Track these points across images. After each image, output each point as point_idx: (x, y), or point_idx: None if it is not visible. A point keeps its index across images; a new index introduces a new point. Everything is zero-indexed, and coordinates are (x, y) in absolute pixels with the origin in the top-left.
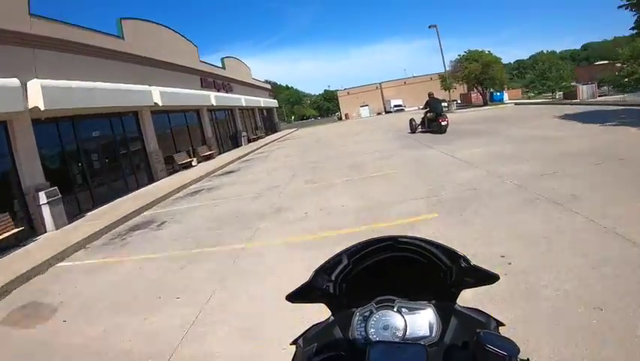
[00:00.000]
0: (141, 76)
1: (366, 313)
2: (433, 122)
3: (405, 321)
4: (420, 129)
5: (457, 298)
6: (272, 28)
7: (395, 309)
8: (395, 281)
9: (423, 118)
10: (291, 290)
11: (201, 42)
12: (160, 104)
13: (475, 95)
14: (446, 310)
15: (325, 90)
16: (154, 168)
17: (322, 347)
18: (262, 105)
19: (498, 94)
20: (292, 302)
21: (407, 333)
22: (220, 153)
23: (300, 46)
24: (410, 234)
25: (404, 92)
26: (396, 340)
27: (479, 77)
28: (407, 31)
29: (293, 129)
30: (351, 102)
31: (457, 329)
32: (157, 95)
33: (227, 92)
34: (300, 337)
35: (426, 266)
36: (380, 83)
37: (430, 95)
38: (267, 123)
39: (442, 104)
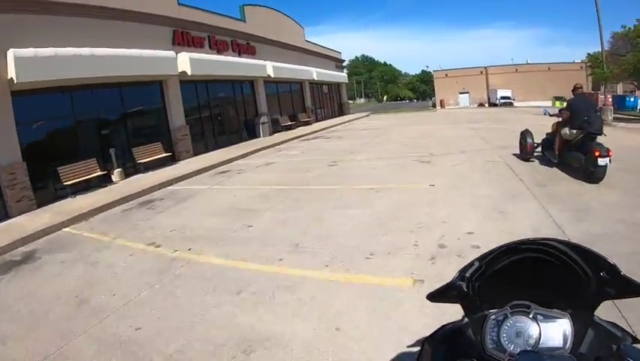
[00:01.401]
0: None
1: (500, 318)
2: (578, 150)
3: (540, 329)
4: (539, 153)
5: (596, 309)
6: (374, 4)
7: (531, 316)
8: (530, 287)
9: (550, 134)
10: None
11: (296, 15)
12: (14, 79)
13: (603, 98)
14: (583, 321)
15: (422, 71)
16: (5, 195)
17: (453, 349)
18: (315, 79)
19: (632, 99)
20: (432, 301)
21: (540, 342)
22: (206, 151)
23: (402, 24)
24: None
25: (514, 81)
26: (528, 348)
27: None
28: (515, 17)
29: (363, 115)
30: (450, 87)
31: (592, 342)
32: (11, 60)
33: (240, 54)
34: (429, 337)
35: (564, 273)
36: (485, 68)
37: (577, 89)
38: (329, 103)
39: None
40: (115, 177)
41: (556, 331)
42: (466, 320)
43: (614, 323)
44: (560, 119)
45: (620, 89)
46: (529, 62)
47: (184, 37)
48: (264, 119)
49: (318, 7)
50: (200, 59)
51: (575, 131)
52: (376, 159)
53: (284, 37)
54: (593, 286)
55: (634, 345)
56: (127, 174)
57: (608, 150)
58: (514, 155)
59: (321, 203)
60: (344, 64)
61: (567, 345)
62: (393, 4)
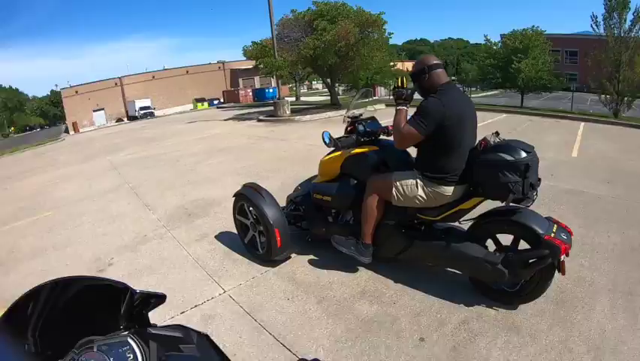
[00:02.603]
0: None
1: None
2: (457, 236)
3: (107, 359)
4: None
5: (148, 320)
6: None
7: (95, 349)
8: (90, 321)
9: (330, 192)
10: None
11: None
12: None
13: (244, 93)
14: (144, 336)
15: (52, 91)
16: None
17: None
18: None
19: (271, 90)
20: None
21: None
22: None
23: (29, 42)
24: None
25: (153, 89)
26: None
27: (345, 53)
28: (153, 27)
29: None
30: (82, 105)
31: (159, 352)
32: None
33: None
34: None
35: (108, 297)
36: (120, 78)
37: (435, 65)
38: None
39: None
40: None
41: (125, 354)
42: None
43: (177, 326)
44: (352, 151)
45: (257, 82)
46: (166, 67)
47: None
48: None
49: None
50: None
51: (452, 189)
52: None
53: None
54: (136, 300)
55: (178, 353)
56: None
57: (569, 233)
58: (226, 245)
59: None
60: None
61: None
62: (19, 20)
